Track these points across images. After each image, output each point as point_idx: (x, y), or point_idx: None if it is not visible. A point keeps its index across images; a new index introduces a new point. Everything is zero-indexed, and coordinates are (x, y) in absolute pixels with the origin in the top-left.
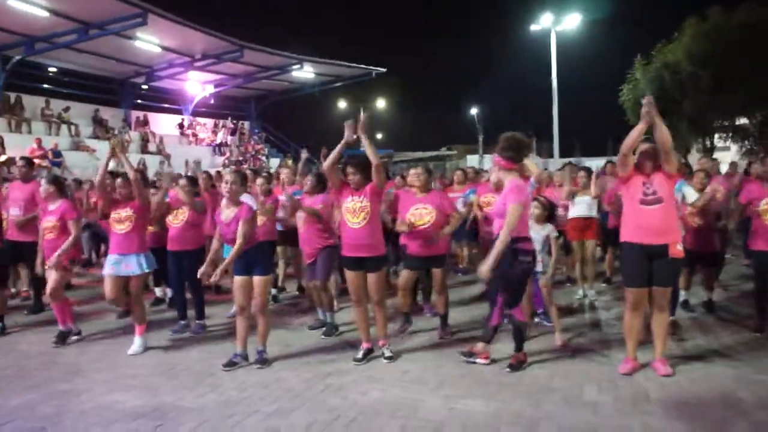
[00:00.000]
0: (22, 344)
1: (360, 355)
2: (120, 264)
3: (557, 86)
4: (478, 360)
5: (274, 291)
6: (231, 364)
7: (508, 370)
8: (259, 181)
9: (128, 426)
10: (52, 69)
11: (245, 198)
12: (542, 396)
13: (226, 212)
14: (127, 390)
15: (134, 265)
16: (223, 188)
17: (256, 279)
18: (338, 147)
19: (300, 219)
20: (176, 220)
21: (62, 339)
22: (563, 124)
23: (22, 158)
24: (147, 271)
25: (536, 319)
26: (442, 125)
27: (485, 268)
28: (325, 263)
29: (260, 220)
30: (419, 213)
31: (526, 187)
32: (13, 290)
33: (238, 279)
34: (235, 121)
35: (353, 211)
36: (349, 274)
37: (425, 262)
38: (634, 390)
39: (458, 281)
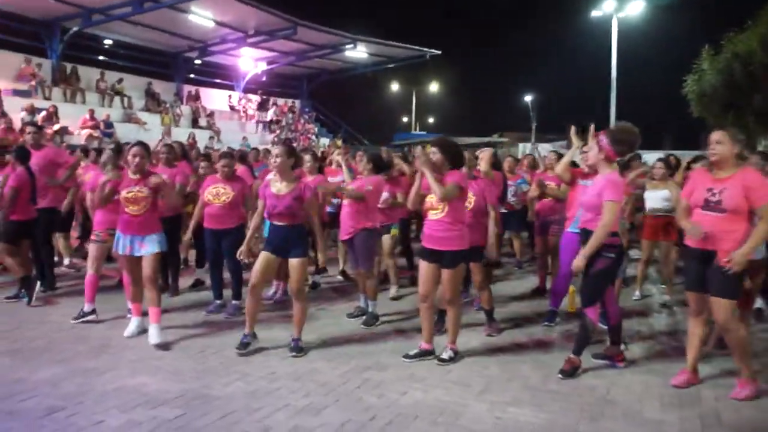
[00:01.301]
0: (54, 316)
1: (413, 352)
2: (134, 243)
3: (616, 75)
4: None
5: (315, 277)
6: (243, 346)
7: (560, 376)
8: (307, 157)
9: (148, 413)
10: (107, 41)
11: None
12: (599, 409)
13: (278, 186)
14: (153, 372)
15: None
16: (271, 162)
17: (293, 261)
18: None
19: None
20: (218, 200)
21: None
22: (621, 115)
23: (31, 124)
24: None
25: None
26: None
27: (580, 262)
28: (364, 248)
29: None
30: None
31: (624, 182)
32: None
33: (264, 254)
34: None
35: (431, 204)
36: (422, 266)
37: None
38: (703, 410)
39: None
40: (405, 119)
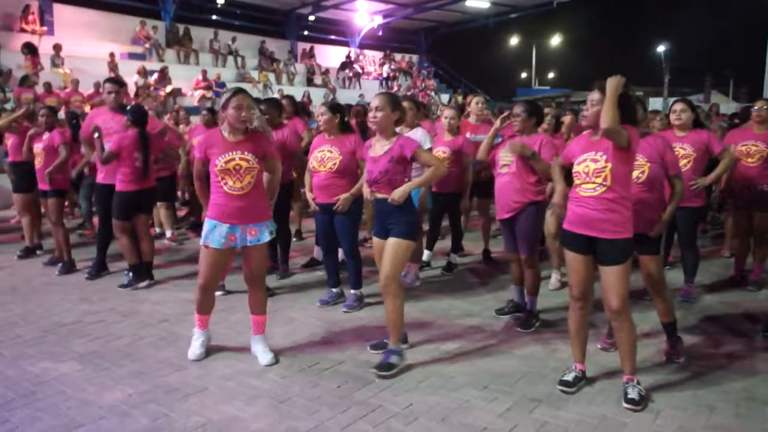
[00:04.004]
0: (145, 305)
1: (570, 377)
2: (237, 232)
3: None
4: None
5: (452, 256)
6: (387, 367)
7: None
8: (449, 113)
9: None
10: (220, 0)
11: (417, 133)
12: None
13: (376, 147)
14: (251, 400)
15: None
16: (369, 117)
17: (391, 241)
18: None
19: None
20: (323, 166)
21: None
22: None
23: (112, 81)
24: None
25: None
26: (621, 64)
27: None
28: (529, 228)
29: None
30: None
31: None
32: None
33: (377, 242)
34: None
35: (587, 173)
36: (571, 258)
37: None
38: None
39: None
40: (524, 75)
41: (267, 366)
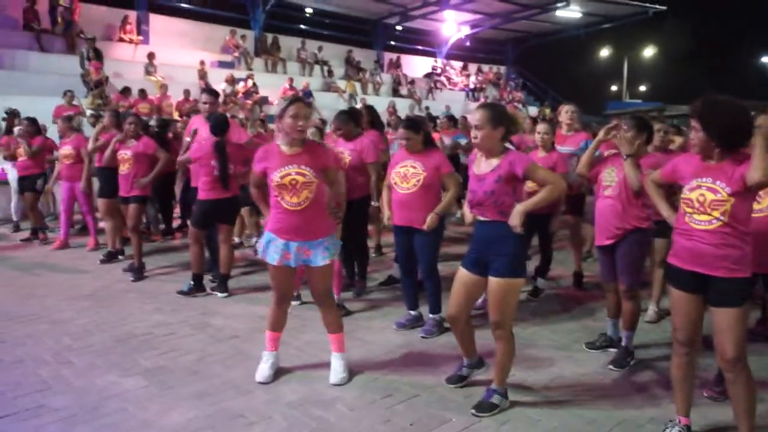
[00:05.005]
0: (216, 319)
1: (675, 430)
2: (292, 249)
3: None
4: None
5: (539, 281)
6: (458, 379)
7: None
8: (543, 127)
9: None
10: (308, 10)
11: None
12: None
13: (480, 164)
14: (320, 431)
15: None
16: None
17: (492, 282)
18: None
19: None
20: (406, 183)
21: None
22: None
23: (207, 92)
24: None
25: None
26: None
27: None
28: (632, 257)
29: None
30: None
31: None
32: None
33: (464, 275)
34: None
35: (702, 203)
36: (677, 297)
37: None
38: None
39: None
40: (614, 87)
41: (334, 385)
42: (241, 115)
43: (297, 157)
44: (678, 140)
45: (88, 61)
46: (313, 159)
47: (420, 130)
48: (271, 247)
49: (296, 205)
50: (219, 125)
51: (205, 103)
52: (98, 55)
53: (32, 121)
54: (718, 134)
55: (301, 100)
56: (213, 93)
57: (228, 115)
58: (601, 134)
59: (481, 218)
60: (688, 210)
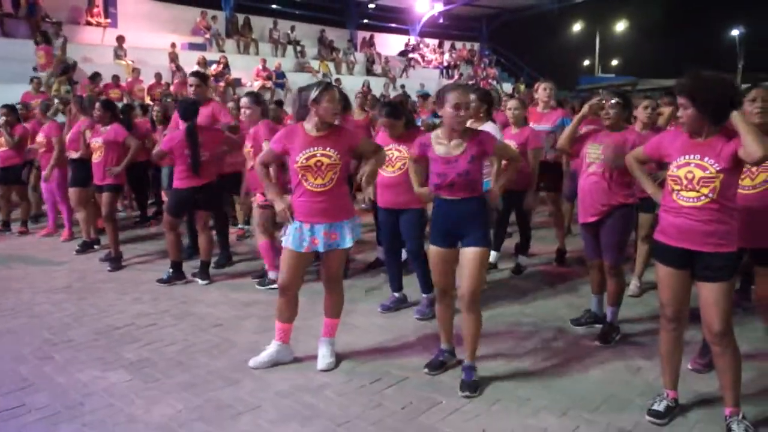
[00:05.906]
0: (199, 306)
1: (661, 407)
2: (318, 234)
3: None
4: None
5: (520, 258)
6: (438, 365)
7: None
8: (513, 104)
9: None
10: None
11: (488, 126)
12: None
13: (445, 146)
14: (307, 420)
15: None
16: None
17: (468, 252)
18: None
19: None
20: (391, 166)
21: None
22: None
23: (195, 75)
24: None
25: None
26: (689, 49)
27: None
28: (617, 233)
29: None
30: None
31: None
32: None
33: (435, 251)
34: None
35: (690, 180)
36: (664, 273)
37: None
38: None
39: None
40: (586, 62)
41: (322, 371)
42: (217, 99)
43: (323, 139)
44: (666, 111)
45: (36, 45)
46: (339, 141)
47: (401, 115)
48: (296, 234)
49: (321, 186)
50: (188, 109)
51: (191, 85)
52: (47, 39)
53: (11, 109)
54: (711, 111)
55: (332, 85)
56: (200, 75)
57: (215, 98)
58: (584, 110)
59: (449, 197)
60: (676, 187)
